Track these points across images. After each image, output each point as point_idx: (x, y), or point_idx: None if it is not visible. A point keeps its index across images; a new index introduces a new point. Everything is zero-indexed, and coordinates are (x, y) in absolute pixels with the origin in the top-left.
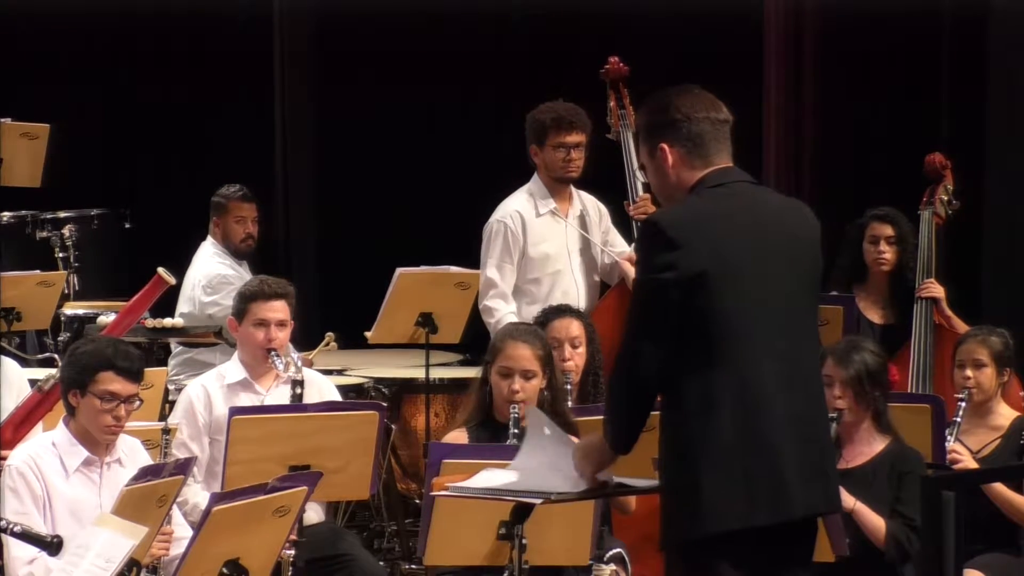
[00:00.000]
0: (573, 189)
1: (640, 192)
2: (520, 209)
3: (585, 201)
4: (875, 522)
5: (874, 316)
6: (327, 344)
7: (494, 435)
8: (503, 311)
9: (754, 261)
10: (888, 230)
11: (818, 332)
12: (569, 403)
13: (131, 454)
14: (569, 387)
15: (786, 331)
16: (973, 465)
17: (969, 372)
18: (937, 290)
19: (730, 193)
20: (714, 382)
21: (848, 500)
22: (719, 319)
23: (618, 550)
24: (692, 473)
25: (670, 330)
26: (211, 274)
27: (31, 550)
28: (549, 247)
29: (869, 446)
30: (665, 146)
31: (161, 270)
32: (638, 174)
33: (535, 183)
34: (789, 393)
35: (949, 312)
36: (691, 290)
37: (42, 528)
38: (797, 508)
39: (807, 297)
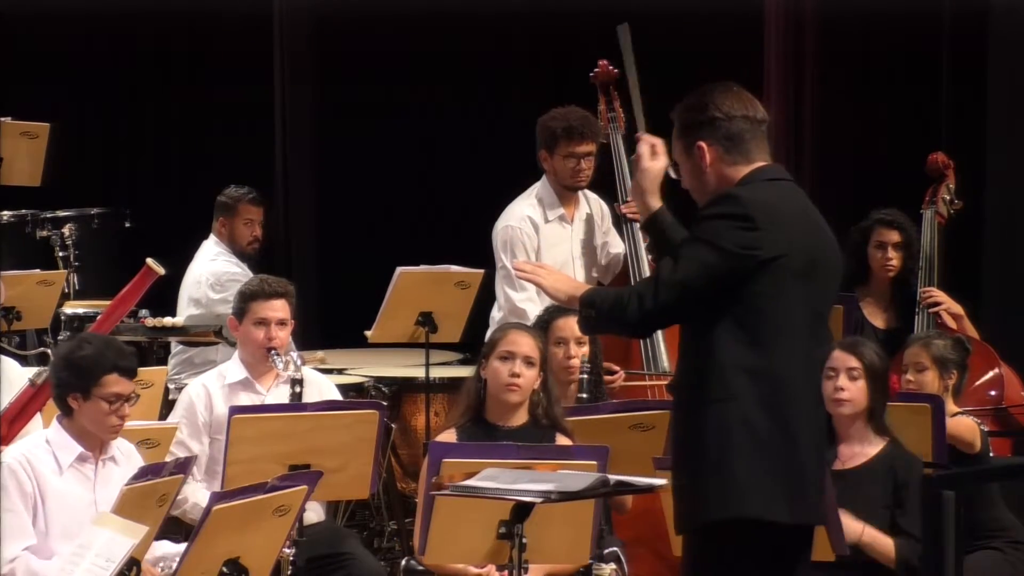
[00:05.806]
0: (579, 191)
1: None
2: (531, 215)
3: (591, 202)
4: (885, 546)
5: (877, 320)
6: (320, 360)
7: (485, 436)
8: (533, 312)
9: (813, 259)
10: (895, 236)
11: None
12: (584, 395)
13: (126, 453)
14: (580, 382)
15: (818, 336)
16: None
17: (910, 376)
18: (940, 297)
19: (788, 189)
20: (755, 370)
21: (856, 528)
22: (777, 307)
23: (614, 549)
24: (726, 456)
25: (707, 299)
26: (219, 272)
27: (14, 548)
28: (556, 253)
29: (862, 447)
30: (703, 144)
31: (150, 260)
32: (628, 175)
33: (544, 189)
34: (811, 397)
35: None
36: (762, 273)
37: (29, 526)
38: (813, 514)
39: (831, 307)
